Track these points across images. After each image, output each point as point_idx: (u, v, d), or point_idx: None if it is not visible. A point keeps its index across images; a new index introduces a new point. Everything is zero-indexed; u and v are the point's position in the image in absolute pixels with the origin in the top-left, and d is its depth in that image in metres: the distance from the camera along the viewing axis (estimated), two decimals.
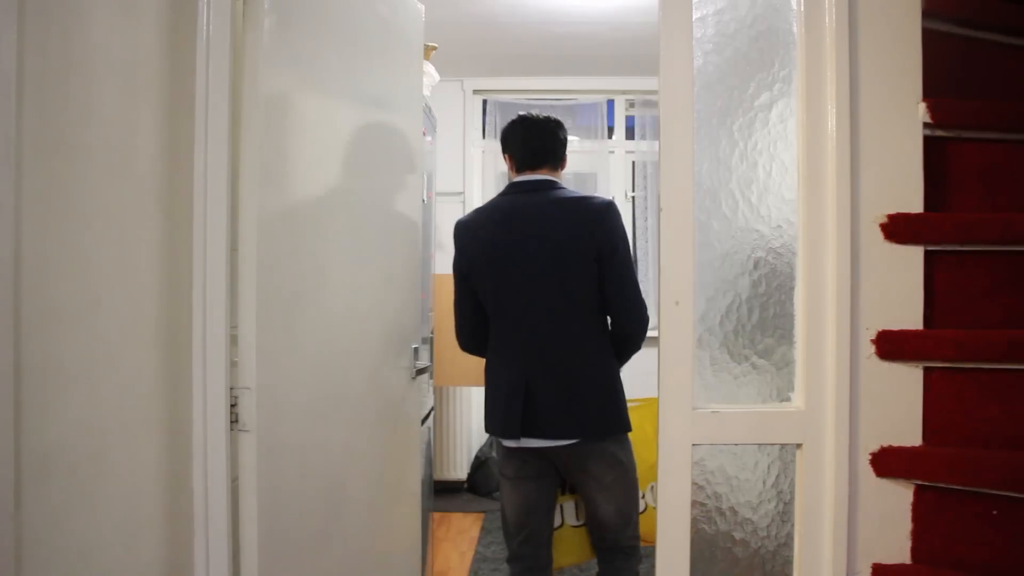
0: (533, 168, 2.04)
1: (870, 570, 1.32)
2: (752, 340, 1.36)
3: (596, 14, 3.45)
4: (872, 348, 1.32)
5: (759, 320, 1.36)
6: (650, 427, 2.01)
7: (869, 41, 1.33)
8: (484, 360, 2.10)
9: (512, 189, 2.06)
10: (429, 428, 2.84)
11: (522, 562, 2.10)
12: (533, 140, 2.05)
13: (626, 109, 4.64)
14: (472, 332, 2.10)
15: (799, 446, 1.33)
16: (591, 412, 1.93)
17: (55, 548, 1.04)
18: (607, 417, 1.95)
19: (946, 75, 1.38)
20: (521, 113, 2.12)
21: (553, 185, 2.02)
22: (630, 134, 4.62)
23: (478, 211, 2.11)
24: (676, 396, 1.31)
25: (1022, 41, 1.47)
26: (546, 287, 1.94)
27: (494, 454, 4.26)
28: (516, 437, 1.95)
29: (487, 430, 2.08)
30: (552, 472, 2.06)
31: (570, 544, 2.22)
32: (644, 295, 2.11)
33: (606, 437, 1.97)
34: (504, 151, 2.11)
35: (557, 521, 2.22)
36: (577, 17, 3.49)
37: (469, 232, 2.05)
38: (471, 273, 2.03)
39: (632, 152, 4.61)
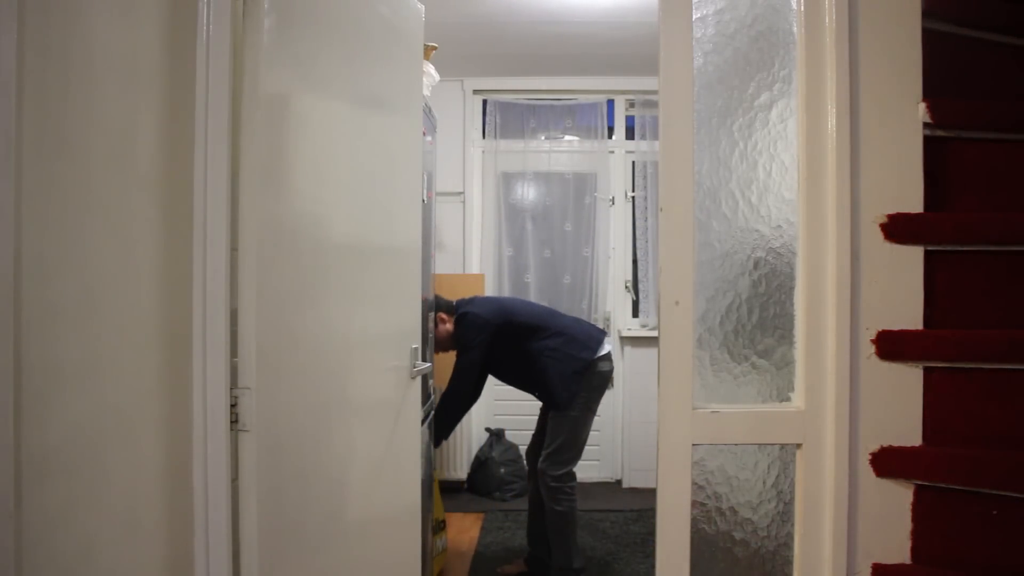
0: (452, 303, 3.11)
1: (870, 570, 1.32)
2: (752, 340, 1.36)
3: (596, 14, 3.45)
4: (872, 348, 1.32)
5: (759, 320, 1.36)
6: None
7: (869, 41, 1.33)
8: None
9: (468, 306, 3.07)
10: (429, 428, 2.84)
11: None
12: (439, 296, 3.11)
13: (626, 109, 4.64)
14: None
15: (799, 446, 1.33)
16: None
17: (55, 548, 1.04)
18: None
19: (946, 75, 1.38)
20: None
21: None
22: (630, 134, 4.62)
23: (479, 308, 3.03)
24: (676, 396, 1.31)
25: (1022, 41, 1.47)
26: None
27: (494, 454, 4.26)
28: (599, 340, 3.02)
29: (585, 357, 2.92)
30: None
31: None
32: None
33: None
34: (437, 313, 2.97)
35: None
36: (577, 17, 3.50)
37: (492, 312, 3.01)
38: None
39: (632, 152, 4.61)
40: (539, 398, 3.04)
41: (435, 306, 2.99)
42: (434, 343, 2.97)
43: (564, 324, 3.04)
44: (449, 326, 2.99)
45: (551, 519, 2.95)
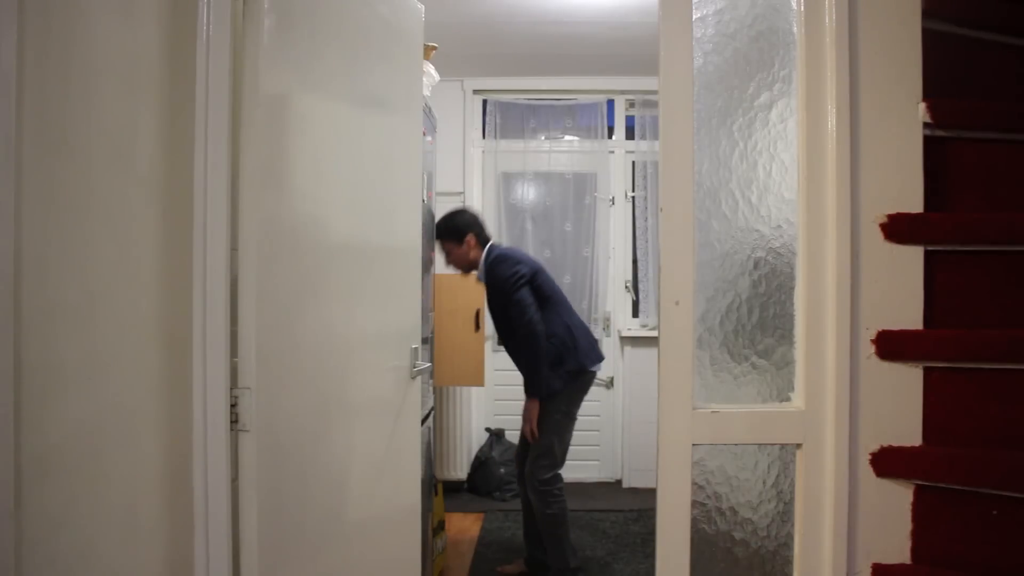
0: (489, 238, 3.14)
1: (870, 570, 1.32)
2: (752, 340, 1.36)
3: (596, 14, 3.45)
4: (872, 348, 1.32)
5: (759, 320, 1.36)
6: None
7: (869, 41, 1.33)
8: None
9: (503, 247, 3.16)
10: (429, 428, 2.84)
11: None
12: (483, 224, 3.14)
13: (626, 109, 4.64)
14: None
15: (799, 446, 1.33)
16: None
17: (55, 548, 1.04)
18: None
19: (946, 75, 1.38)
20: (452, 209, 3.12)
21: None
22: (630, 134, 4.62)
23: (515, 251, 3.19)
24: (676, 396, 1.31)
25: (1022, 41, 1.47)
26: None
27: (494, 454, 4.27)
28: (601, 359, 3.11)
29: (586, 365, 2.97)
30: None
31: None
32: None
33: None
34: (469, 233, 3.01)
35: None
36: (577, 17, 3.49)
37: (528, 259, 3.11)
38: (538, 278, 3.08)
39: (632, 152, 4.60)
40: (521, 371, 3.03)
41: (456, 225, 3.02)
42: (448, 259, 3.03)
43: (576, 323, 3.09)
44: (475, 253, 3.02)
45: (543, 522, 2.96)
